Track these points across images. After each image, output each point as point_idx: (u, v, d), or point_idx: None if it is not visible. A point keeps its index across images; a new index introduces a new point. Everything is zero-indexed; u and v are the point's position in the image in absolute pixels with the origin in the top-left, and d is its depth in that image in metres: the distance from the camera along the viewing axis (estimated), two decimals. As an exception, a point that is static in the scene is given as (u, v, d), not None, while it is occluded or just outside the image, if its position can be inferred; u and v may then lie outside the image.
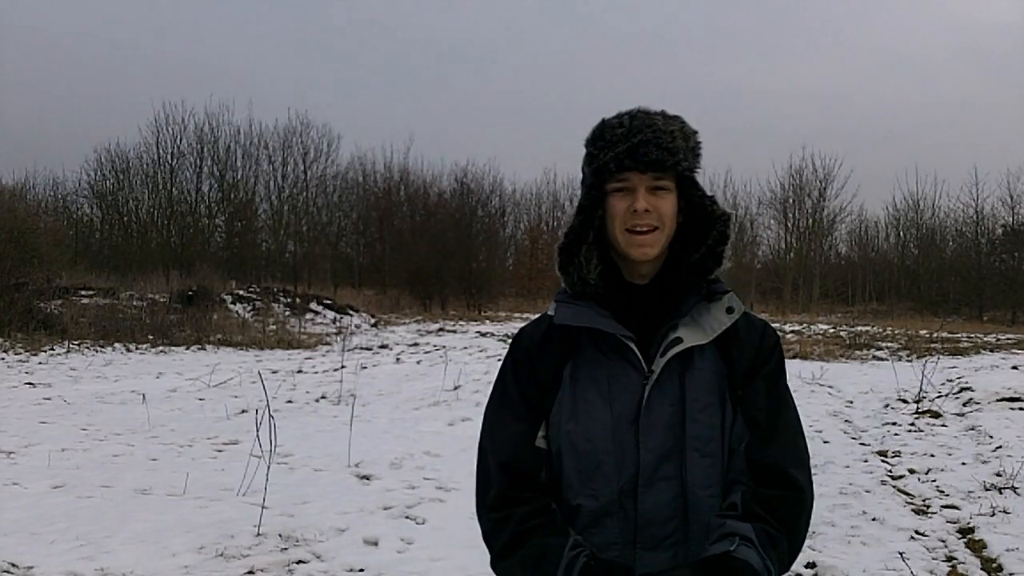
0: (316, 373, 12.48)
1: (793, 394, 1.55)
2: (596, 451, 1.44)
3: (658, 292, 1.47)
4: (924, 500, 5.77)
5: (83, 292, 20.85)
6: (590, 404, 1.46)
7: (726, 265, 1.50)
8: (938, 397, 9.55)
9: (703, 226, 1.48)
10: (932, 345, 16.16)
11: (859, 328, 20.91)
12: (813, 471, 5.50)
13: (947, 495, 5.84)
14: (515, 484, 1.48)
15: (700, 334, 1.43)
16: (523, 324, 1.65)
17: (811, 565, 4.45)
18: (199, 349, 16.85)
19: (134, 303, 20.45)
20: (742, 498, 1.40)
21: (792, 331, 20.09)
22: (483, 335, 19.81)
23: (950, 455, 7.03)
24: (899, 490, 6.04)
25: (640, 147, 1.40)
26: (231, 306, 22.51)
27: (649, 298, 1.47)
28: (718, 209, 1.48)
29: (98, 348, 15.83)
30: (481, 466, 1.56)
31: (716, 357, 1.45)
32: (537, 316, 1.61)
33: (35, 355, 14.37)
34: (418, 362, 13.64)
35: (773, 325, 1.60)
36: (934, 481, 6.22)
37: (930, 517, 5.37)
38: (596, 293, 1.48)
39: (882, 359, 14.40)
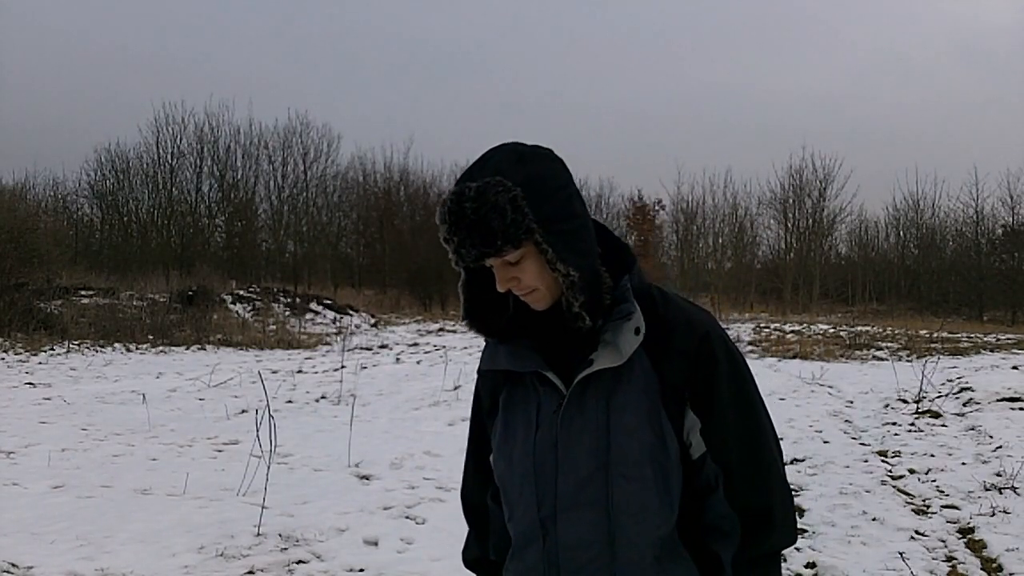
0: (316, 373, 12.48)
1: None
2: (518, 477, 1.45)
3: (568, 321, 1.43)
4: (924, 500, 5.77)
5: (83, 292, 20.85)
6: (516, 430, 1.47)
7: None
8: (938, 397, 9.55)
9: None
10: (932, 345, 16.16)
11: (859, 328, 20.89)
12: (813, 471, 5.53)
13: (947, 495, 5.84)
14: (467, 519, 1.69)
15: (615, 355, 1.37)
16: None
17: (811, 565, 4.46)
18: (199, 349, 16.86)
19: (134, 303, 20.46)
20: (733, 561, 1.40)
21: (792, 331, 20.08)
22: (483, 335, 19.79)
23: (950, 455, 7.03)
24: (899, 490, 6.04)
25: (460, 248, 1.35)
26: (231, 306, 22.52)
27: (563, 325, 1.43)
28: (560, 271, 1.35)
29: (98, 348, 15.83)
30: None
31: (647, 374, 1.39)
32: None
33: (35, 355, 14.37)
34: (418, 362, 13.64)
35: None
36: (934, 481, 6.22)
37: (930, 517, 5.37)
38: (517, 327, 1.47)
39: (882, 359, 14.40)
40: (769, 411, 1.49)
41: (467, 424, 1.70)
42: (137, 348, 16.35)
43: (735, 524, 1.41)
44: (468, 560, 1.70)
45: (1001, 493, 5.74)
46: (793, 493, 1.50)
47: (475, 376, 1.62)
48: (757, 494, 1.41)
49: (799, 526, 5.13)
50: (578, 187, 1.45)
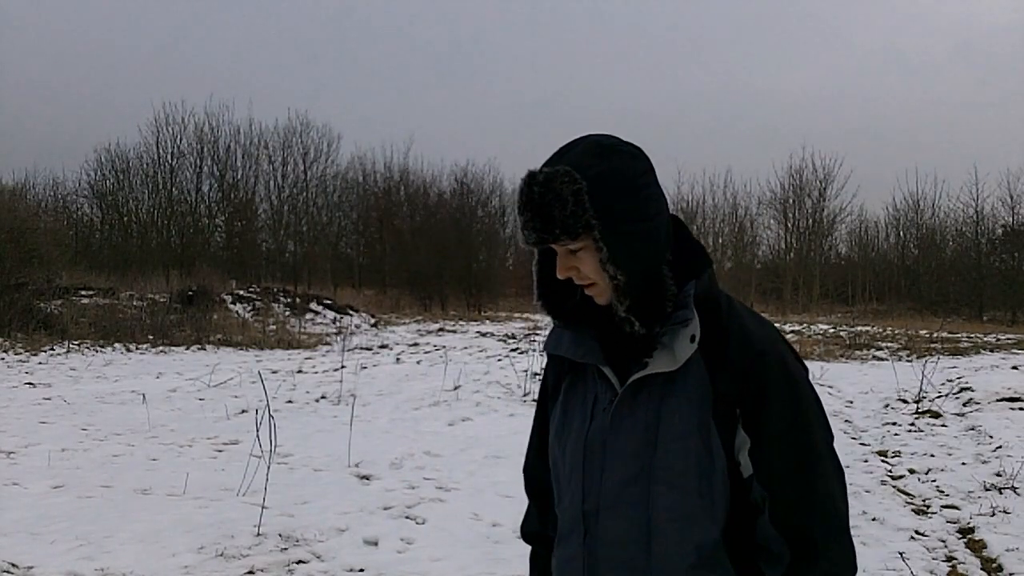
0: (316, 373, 12.48)
1: None
2: (567, 467, 1.47)
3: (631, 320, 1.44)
4: (924, 500, 5.77)
5: (83, 292, 20.86)
6: (571, 421, 1.48)
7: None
8: (938, 397, 9.55)
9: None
10: (932, 345, 16.16)
11: (859, 328, 20.91)
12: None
13: (947, 495, 5.84)
14: (535, 503, 1.69)
15: (670, 360, 1.36)
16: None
17: (811, 565, 4.45)
18: (199, 349, 16.86)
19: (134, 303, 20.46)
20: None
21: (792, 331, 20.10)
22: (483, 335, 19.82)
23: (950, 455, 7.03)
24: (899, 490, 6.04)
25: (524, 228, 1.37)
26: (231, 306, 22.52)
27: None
28: (610, 272, 1.35)
29: (98, 348, 15.83)
30: None
31: (702, 382, 1.37)
32: None
33: (35, 355, 14.37)
34: (418, 362, 13.64)
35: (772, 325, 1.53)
36: (934, 481, 6.22)
37: (930, 517, 5.37)
38: (586, 315, 1.47)
39: (882, 359, 14.40)
40: (833, 442, 1.43)
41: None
42: (137, 348, 16.35)
43: (784, 548, 1.36)
44: (527, 533, 1.71)
45: (1001, 493, 5.74)
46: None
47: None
48: (803, 523, 1.35)
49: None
50: (662, 189, 1.42)
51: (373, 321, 24.80)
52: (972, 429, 7.93)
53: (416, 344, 17.33)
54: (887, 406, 9.48)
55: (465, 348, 15.81)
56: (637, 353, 1.40)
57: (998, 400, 8.86)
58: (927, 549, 4.75)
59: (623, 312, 1.37)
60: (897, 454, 7.16)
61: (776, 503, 1.35)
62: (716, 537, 1.38)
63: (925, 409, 9.02)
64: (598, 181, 1.34)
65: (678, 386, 1.38)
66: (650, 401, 1.39)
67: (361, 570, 4.37)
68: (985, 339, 17.72)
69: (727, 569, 1.39)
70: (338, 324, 23.00)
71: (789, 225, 40.17)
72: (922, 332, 18.98)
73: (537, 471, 1.65)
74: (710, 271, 1.43)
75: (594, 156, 1.36)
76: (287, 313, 22.98)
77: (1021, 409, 8.52)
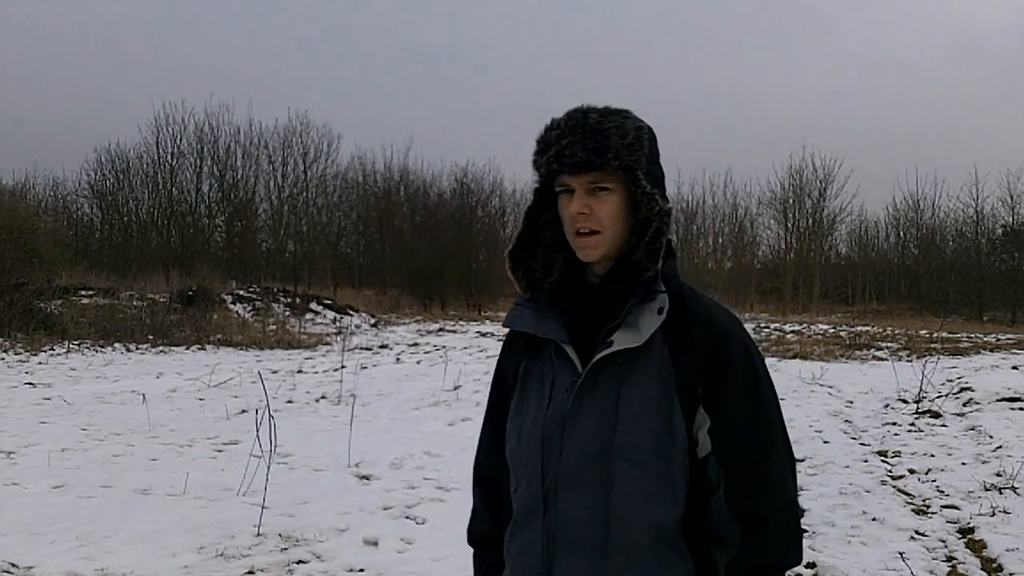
0: (316, 373, 12.48)
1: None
2: (527, 451, 1.46)
3: (604, 293, 1.45)
4: (924, 500, 5.77)
5: (83, 292, 20.85)
6: (528, 404, 1.48)
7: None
8: (938, 397, 9.55)
9: (644, 224, 1.43)
10: (932, 345, 16.16)
11: (859, 328, 20.90)
12: (813, 471, 5.50)
13: (947, 495, 5.84)
14: (475, 493, 1.67)
15: (634, 336, 1.38)
16: None
17: (811, 565, 4.46)
18: (199, 349, 16.85)
19: (134, 303, 20.45)
20: (728, 567, 1.39)
21: (792, 331, 20.08)
22: (483, 335, 19.80)
23: (950, 455, 7.03)
24: (899, 490, 6.04)
25: (567, 149, 1.38)
26: (231, 306, 22.51)
27: (595, 299, 1.46)
28: (656, 205, 1.41)
29: (98, 348, 15.83)
30: None
31: (664, 363, 1.40)
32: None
33: (35, 355, 14.37)
34: (418, 362, 13.64)
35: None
36: (934, 481, 6.22)
37: (930, 517, 5.37)
38: (552, 295, 1.49)
39: (882, 359, 14.40)
40: (786, 429, 1.47)
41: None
42: (137, 348, 16.35)
43: (734, 532, 1.39)
44: (477, 536, 1.66)
45: (1001, 493, 5.74)
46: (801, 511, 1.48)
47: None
48: (755, 501, 1.39)
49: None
50: None
51: (373, 321, 24.80)
52: (972, 429, 7.93)
53: (416, 344, 17.33)
54: (887, 406, 9.48)
55: (465, 348, 15.81)
56: (599, 332, 1.42)
57: (998, 400, 8.86)
58: (927, 549, 4.75)
59: (651, 249, 1.40)
60: (897, 454, 7.16)
61: (732, 480, 1.39)
62: (677, 518, 1.40)
63: (925, 409, 9.02)
64: (652, 135, 1.45)
65: (640, 366, 1.40)
66: (611, 381, 1.40)
67: (361, 570, 4.37)
68: (985, 339, 17.71)
69: (683, 551, 1.41)
70: (338, 324, 22.99)
71: (789, 225, 40.19)
72: (922, 332, 18.97)
73: (490, 465, 1.62)
74: (673, 262, 1.48)
75: (636, 116, 1.45)
76: (287, 313, 22.97)
77: (1021, 409, 8.51)
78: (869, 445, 7.58)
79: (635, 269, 1.43)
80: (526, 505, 1.47)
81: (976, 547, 4.78)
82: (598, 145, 1.37)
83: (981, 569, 4.47)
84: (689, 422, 1.40)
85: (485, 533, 1.64)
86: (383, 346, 17.09)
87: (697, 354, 1.40)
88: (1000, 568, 4.45)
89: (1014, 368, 11.57)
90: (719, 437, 1.40)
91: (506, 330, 1.59)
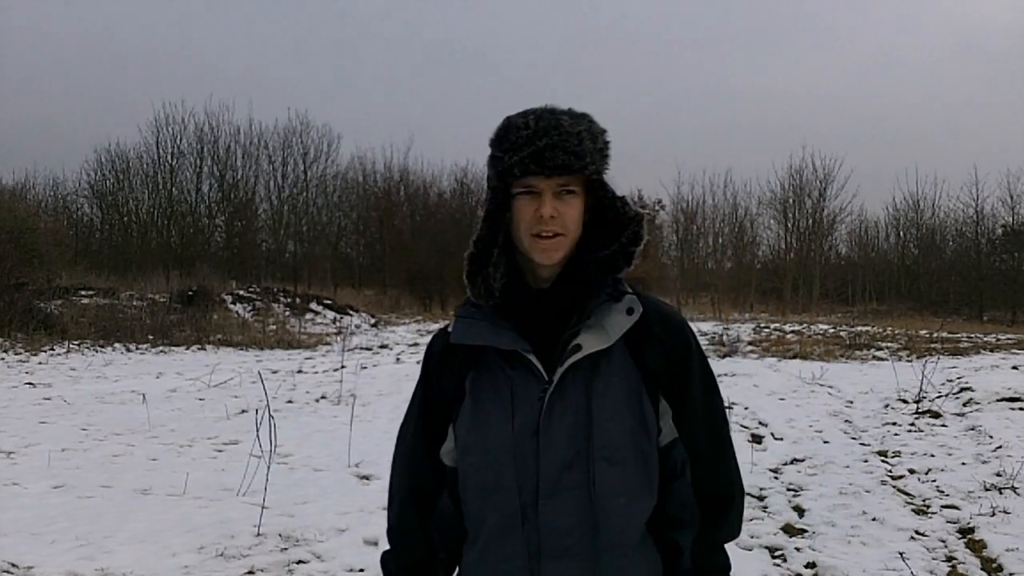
0: (316, 373, 12.48)
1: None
2: (497, 464, 1.41)
3: (559, 297, 1.43)
4: (924, 500, 5.76)
5: (83, 292, 20.85)
6: (490, 416, 1.43)
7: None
8: (938, 397, 9.54)
9: (613, 227, 1.44)
10: (932, 345, 16.15)
11: (859, 328, 20.87)
12: (813, 471, 5.52)
13: (947, 495, 5.83)
14: (407, 515, 1.57)
15: (602, 338, 1.39)
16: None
17: (811, 565, 4.46)
18: (199, 349, 16.85)
19: (134, 303, 20.45)
20: (692, 546, 1.45)
21: (792, 331, 20.07)
22: (483, 335, 19.78)
23: (950, 455, 7.03)
24: (899, 490, 6.04)
25: (546, 151, 1.35)
26: (231, 306, 22.52)
27: (550, 303, 1.43)
28: (630, 210, 1.43)
29: (98, 348, 15.83)
30: (389, 481, 1.64)
31: (626, 360, 1.41)
32: (445, 323, 1.58)
33: (35, 355, 14.37)
34: (418, 362, 13.56)
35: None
36: (934, 481, 6.22)
37: (930, 517, 5.37)
38: (497, 302, 1.44)
39: (882, 359, 14.39)
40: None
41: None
42: (137, 348, 16.35)
43: (695, 514, 1.45)
44: (411, 562, 1.57)
45: (1001, 493, 5.74)
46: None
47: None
48: (723, 479, 1.48)
49: (799, 526, 5.14)
50: None
51: (373, 321, 24.80)
52: (972, 429, 7.92)
53: (416, 344, 17.33)
54: (887, 406, 9.47)
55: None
56: (556, 338, 1.41)
57: (998, 400, 8.86)
58: (927, 549, 4.75)
59: (607, 257, 1.42)
60: (897, 454, 7.16)
61: (699, 464, 1.46)
62: (652, 509, 1.44)
63: (925, 409, 9.01)
64: (606, 138, 1.44)
65: (604, 366, 1.41)
66: (578, 383, 1.40)
67: (361, 570, 4.37)
68: (985, 339, 17.70)
69: (651, 539, 1.45)
70: (338, 324, 22.99)
71: (789, 225, 40.16)
72: (922, 332, 18.96)
73: (428, 483, 1.54)
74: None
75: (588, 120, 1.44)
76: (287, 313, 22.98)
77: (1021, 409, 8.51)
78: (869, 445, 7.58)
79: (602, 270, 1.43)
80: (500, 520, 1.42)
81: (976, 547, 4.78)
82: (577, 149, 1.36)
83: (981, 569, 4.47)
84: (655, 414, 1.44)
85: (422, 559, 1.56)
86: (383, 346, 17.10)
87: (659, 346, 1.44)
88: (1000, 568, 4.45)
89: (1014, 368, 11.56)
90: (686, 424, 1.46)
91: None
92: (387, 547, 1.63)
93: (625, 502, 1.39)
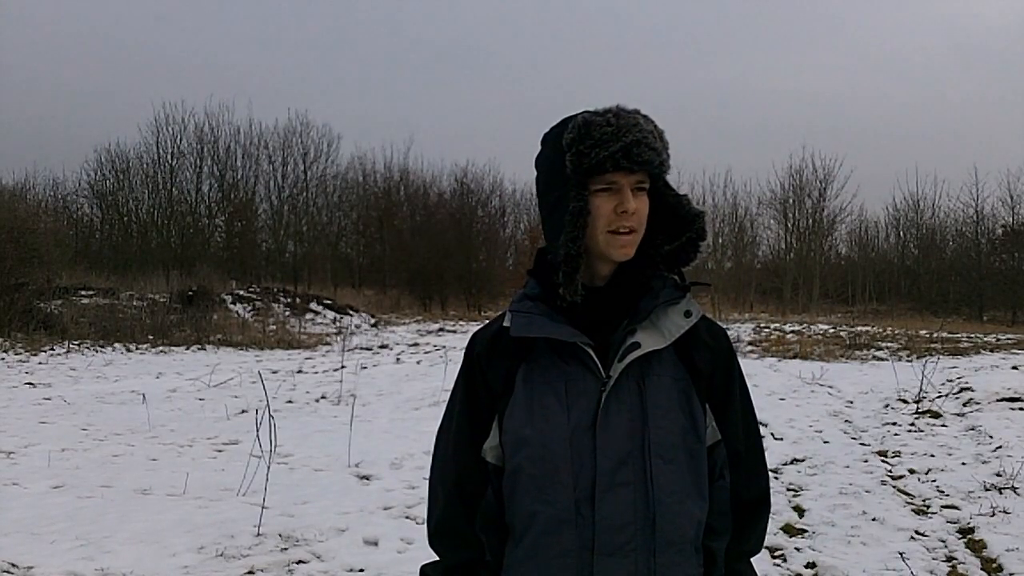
0: (316, 373, 12.49)
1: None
2: (553, 457, 1.40)
3: (615, 294, 1.45)
4: (924, 500, 5.77)
5: (83, 292, 20.85)
6: (547, 409, 1.41)
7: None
8: (938, 397, 9.55)
9: (676, 225, 1.48)
10: (932, 345, 16.15)
11: (859, 328, 20.88)
12: (813, 471, 5.53)
13: (947, 495, 5.84)
14: (454, 513, 1.50)
15: (658, 338, 1.41)
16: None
17: (811, 565, 4.46)
18: (199, 349, 16.85)
19: (134, 303, 20.45)
20: (726, 553, 1.49)
21: (792, 331, 20.07)
22: (483, 335, 19.78)
23: (950, 455, 7.03)
24: (899, 490, 6.04)
25: (632, 147, 1.36)
26: (231, 306, 22.52)
27: (606, 301, 1.45)
28: (693, 208, 1.47)
29: (98, 348, 15.83)
30: (430, 481, 1.58)
31: (675, 361, 1.44)
32: (488, 320, 1.57)
33: (35, 355, 14.37)
34: (418, 362, 13.64)
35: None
36: (934, 481, 6.22)
37: (930, 517, 5.37)
38: (550, 297, 1.44)
39: (882, 359, 14.39)
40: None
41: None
42: (137, 348, 16.35)
43: (728, 524, 1.49)
44: (460, 561, 1.52)
45: (1001, 493, 5.74)
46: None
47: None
48: (758, 485, 1.53)
49: (799, 526, 5.14)
50: None
51: (373, 321, 24.79)
52: (972, 429, 7.92)
53: (416, 344, 17.33)
54: (887, 406, 9.48)
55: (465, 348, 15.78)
56: (610, 334, 1.43)
57: (998, 400, 8.86)
58: (927, 549, 4.75)
59: (676, 244, 1.48)
60: (897, 454, 7.16)
61: (737, 468, 1.49)
62: (706, 511, 1.46)
63: (925, 409, 9.02)
64: (666, 138, 1.48)
65: (655, 364, 1.42)
66: (630, 381, 1.41)
67: (361, 570, 4.37)
68: (985, 339, 17.70)
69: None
70: (338, 324, 22.99)
71: (789, 225, 40.18)
72: (922, 332, 18.97)
73: (476, 480, 1.49)
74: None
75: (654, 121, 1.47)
76: (287, 313, 22.97)
77: (1021, 409, 8.51)
78: (869, 445, 7.58)
79: (668, 264, 1.49)
80: (553, 515, 1.40)
81: (976, 547, 4.78)
82: (655, 146, 1.40)
83: (981, 569, 4.47)
84: (704, 415, 1.47)
85: (470, 559, 1.52)
86: (383, 346, 17.09)
87: (708, 351, 1.47)
88: (1000, 568, 4.45)
89: (1014, 368, 11.56)
90: (729, 425, 1.49)
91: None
92: (429, 558, 1.57)
93: (680, 501, 1.40)
